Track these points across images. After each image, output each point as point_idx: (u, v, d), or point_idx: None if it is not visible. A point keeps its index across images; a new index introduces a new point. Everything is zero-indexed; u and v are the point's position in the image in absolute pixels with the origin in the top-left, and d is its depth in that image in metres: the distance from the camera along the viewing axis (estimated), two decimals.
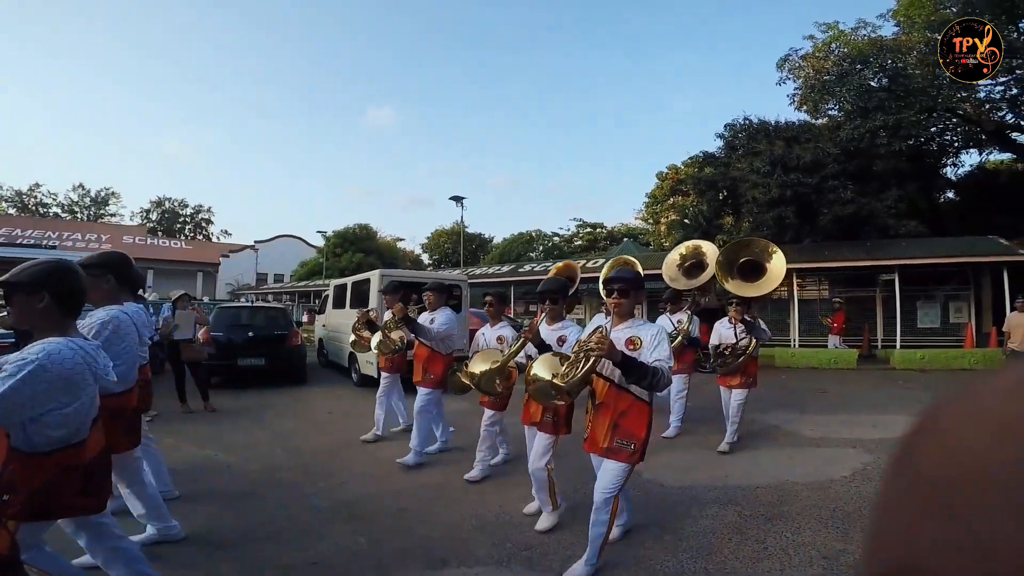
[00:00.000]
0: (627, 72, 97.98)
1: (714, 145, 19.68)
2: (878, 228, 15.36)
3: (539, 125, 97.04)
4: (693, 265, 6.58)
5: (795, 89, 18.78)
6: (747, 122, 18.20)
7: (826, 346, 13.16)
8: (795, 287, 14.33)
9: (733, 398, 5.54)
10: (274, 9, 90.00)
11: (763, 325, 5.52)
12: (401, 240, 44.80)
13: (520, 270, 21.98)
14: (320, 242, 34.71)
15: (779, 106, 71.19)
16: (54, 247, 26.89)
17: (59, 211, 49.29)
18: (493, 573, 2.97)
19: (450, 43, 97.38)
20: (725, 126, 18.71)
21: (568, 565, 2.97)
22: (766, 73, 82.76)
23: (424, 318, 5.06)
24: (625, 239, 32.46)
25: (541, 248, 40.29)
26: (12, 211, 45.22)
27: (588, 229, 39.33)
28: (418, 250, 48.09)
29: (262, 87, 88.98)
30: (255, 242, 40.23)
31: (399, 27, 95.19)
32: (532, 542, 3.32)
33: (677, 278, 6.39)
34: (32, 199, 48.74)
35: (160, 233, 46.98)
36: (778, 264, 5.83)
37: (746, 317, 5.39)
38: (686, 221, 24.35)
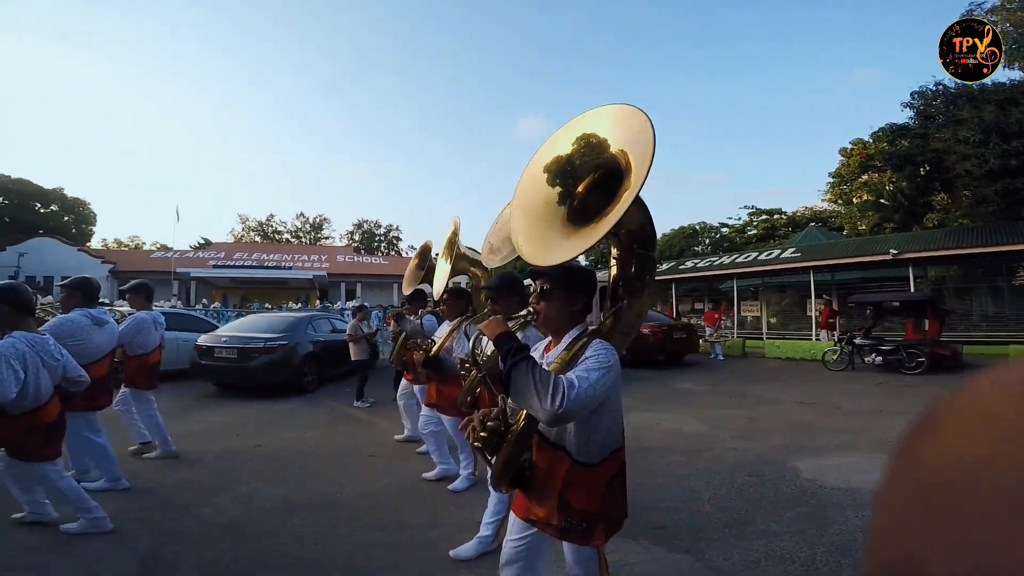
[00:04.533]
0: (778, 47, 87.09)
1: (902, 116, 17.11)
2: None
3: (696, 113, 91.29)
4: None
5: None
6: (941, 87, 15.52)
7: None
8: None
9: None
10: (423, 39, 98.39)
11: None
12: None
13: (681, 267, 21.43)
14: None
15: None
16: (290, 268, 33.29)
17: (288, 237, 60.21)
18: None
19: (596, 38, 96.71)
20: (913, 94, 16.14)
21: None
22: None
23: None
24: (810, 224, 29.05)
25: (708, 241, 37.93)
26: (257, 239, 56.41)
27: (763, 217, 36.02)
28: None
29: (424, 111, 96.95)
30: (435, 255, 44.60)
31: (540, 32, 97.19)
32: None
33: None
34: (269, 227, 59.72)
35: (362, 251, 54.53)
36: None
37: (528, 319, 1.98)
38: (882, 201, 21.28)
